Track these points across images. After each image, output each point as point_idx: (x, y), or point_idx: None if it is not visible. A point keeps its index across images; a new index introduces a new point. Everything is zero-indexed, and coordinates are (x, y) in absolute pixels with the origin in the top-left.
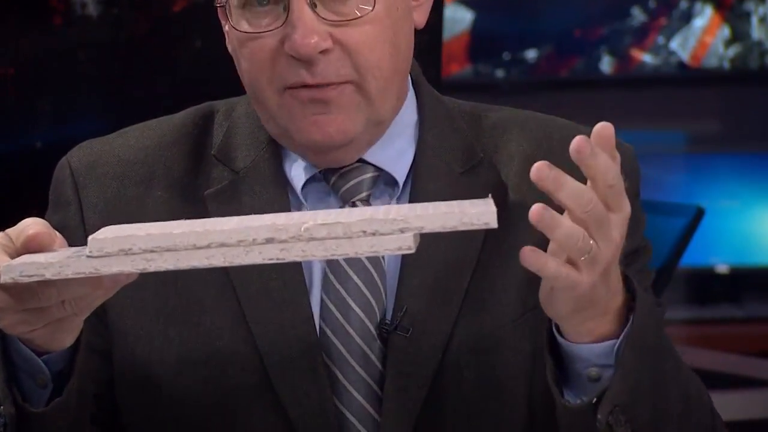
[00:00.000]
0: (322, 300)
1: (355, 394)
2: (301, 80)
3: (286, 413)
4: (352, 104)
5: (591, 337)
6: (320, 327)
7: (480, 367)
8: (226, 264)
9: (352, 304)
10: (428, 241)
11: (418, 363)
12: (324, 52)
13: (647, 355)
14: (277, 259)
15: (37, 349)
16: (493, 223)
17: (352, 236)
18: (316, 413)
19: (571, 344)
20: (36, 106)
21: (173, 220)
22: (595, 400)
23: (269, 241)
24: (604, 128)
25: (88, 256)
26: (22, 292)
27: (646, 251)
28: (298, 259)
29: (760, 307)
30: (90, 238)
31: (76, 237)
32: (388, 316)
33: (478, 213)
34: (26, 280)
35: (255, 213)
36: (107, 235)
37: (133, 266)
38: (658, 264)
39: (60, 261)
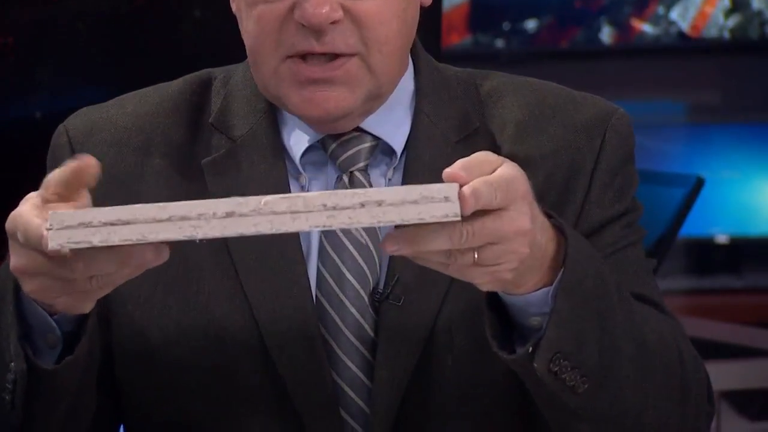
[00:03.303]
0: (318, 270)
1: (349, 362)
2: (308, 48)
3: (283, 382)
4: (356, 78)
5: (530, 288)
6: (316, 297)
7: (471, 335)
8: (273, 231)
9: (347, 274)
10: None
11: (409, 331)
12: (334, 22)
13: (588, 301)
14: (324, 226)
15: (51, 311)
16: (454, 197)
17: (312, 210)
18: (313, 383)
19: (508, 295)
20: (35, 76)
21: (171, 187)
22: (531, 349)
23: (229, 214)
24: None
25: (48, 229)
26: (58, 257)
27: (635, 210)
28: (344, 226)
29: (759, 277)
30: (51, 213)
31: None
32: (381, 286)
33: (440, 187)
34: (74, 246)
35: (252, 181)
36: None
37: (180, 233)
38: (657, 234)
39: (107, 228)
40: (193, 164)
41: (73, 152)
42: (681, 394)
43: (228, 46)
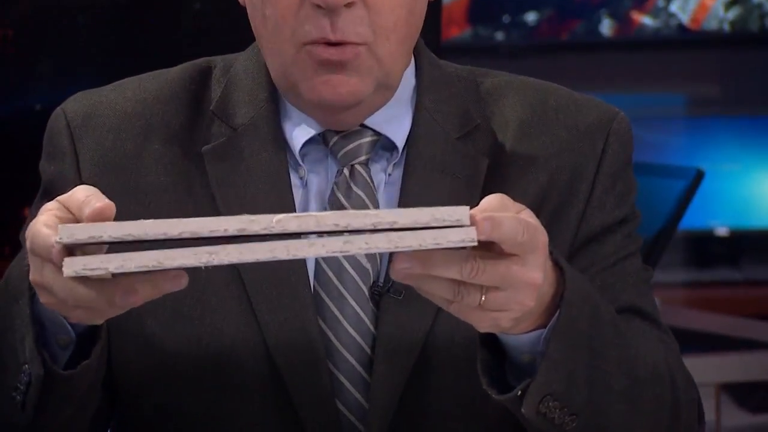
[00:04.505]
0: (317, 262)
1: (347, 355)
2: (323, 35)
3: (280, 373)
4: (365, 66)
5: (523, 330)
6: (314, 288)
7: (472, 331)
8: (290, 257)
9: (347, 266)
10: (424, 206)
11: (409, 326)
12: (348, 5)
13: (581, 341)
14: (341, 251)
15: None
16: (466, 221)
17: (323, 228)
18: (310, 374)
19: (500, 334)
20: (35, 68)
21: (170, 174)
22: (519, 392)
23: (241, 232)
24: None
25: (57, 242)
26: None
27: (634, 218)
28: (361, 252)
29: (758, 269)
30: (60, 225)
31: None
32: (381, 279)
33: (451, 210)
34: (89, 273)
35: (252, 171)
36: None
37: (196, 259)
38: (657, 226)
39: (123, 255)
40: (193, 151)
41: (71, 136)
42: (671, 422)
43: (228, 38)
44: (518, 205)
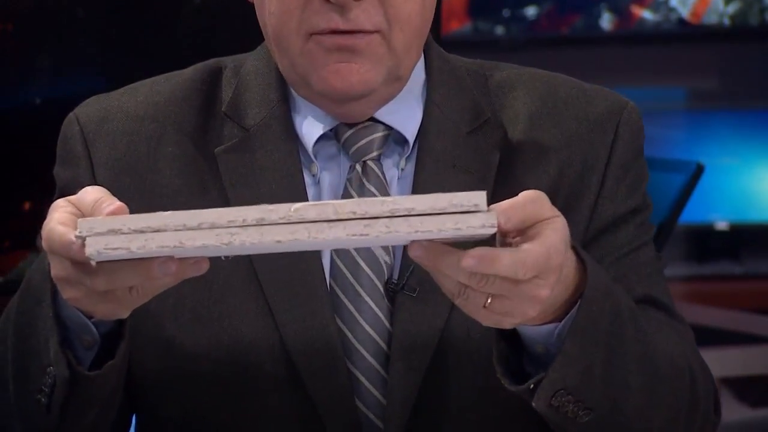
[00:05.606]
0: (332, 260)
1: (365, 353)
2: (332, 25)
3: (297, 371)
4: (377, 54)
5: (536, 324)
6: (331, 287)
7: (487, 327)
8: (311, 239)
9: (362, 264)
10: None
11: (424, 322)
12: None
13: (600, 338)
14: (361, 234)
15: (89, 314)
16: (483, 206)
17: (342, 216)
18: (328, 373)
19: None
20: (35, 62)
21: (184, 176)
22: (532, 386)
23: (259, 222)
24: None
25: (78, 236)
26: (84, 265)
27: (646, 208)
28: (382, 235)
29: (758, 263)
30: (79, 220)
31: None
32: (396, 276)
33: (469, 195)
34: (111, 252)
35: (266, 170)
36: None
37: (218, 239)
38: (658, 220)
39: (145, 235)
40: (206, 153)
41: (85, 141)
42: (689, 414)
43: (228, 33)
44: (552, 208)
